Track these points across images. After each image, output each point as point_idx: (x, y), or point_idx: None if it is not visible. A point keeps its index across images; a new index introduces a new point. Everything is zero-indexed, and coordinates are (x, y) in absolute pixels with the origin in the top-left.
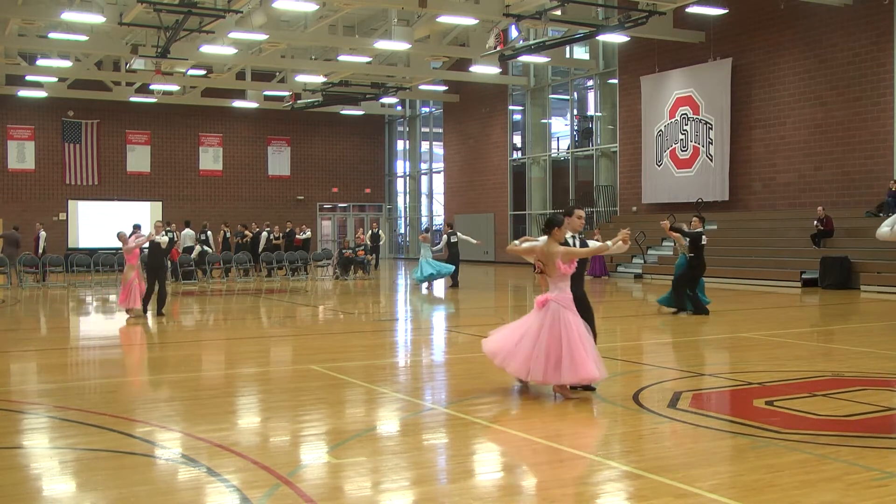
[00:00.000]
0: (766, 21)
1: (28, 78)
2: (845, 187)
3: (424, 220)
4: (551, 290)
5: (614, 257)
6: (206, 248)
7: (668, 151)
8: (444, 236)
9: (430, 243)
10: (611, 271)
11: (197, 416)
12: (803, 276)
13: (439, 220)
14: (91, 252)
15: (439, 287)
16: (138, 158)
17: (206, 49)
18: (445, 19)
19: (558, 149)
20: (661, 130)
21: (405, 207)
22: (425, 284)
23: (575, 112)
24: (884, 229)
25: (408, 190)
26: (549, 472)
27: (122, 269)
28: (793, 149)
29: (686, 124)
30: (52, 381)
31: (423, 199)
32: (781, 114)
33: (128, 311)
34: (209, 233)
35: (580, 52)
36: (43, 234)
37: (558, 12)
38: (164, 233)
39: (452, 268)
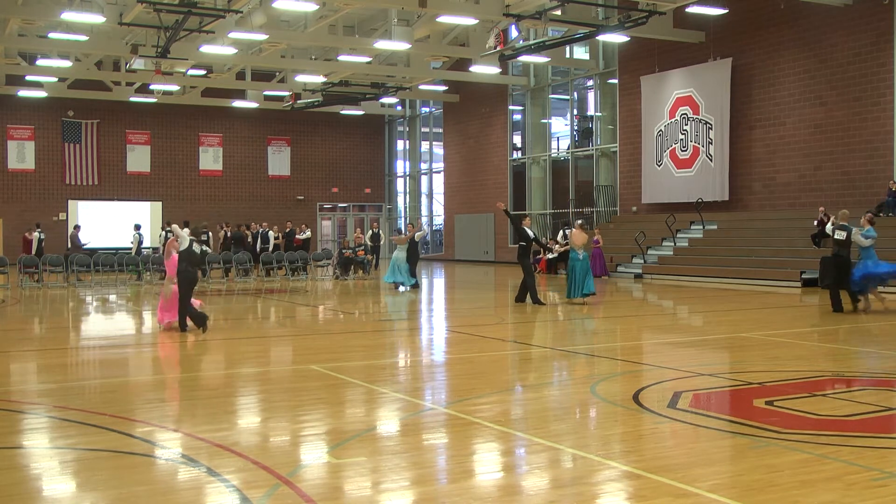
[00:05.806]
0: (766, 21)
1: (28, 78)
2: (845, 187)
3: (424, 219)
4: None
5: (614, 257)
6: (205, 247)
7: (668, 151)
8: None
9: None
10: (611, 271)
11: (197, 416)
12: (803, 276)
13: (439, 220)
14: (91, 252)
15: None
16: (138, 158)
17: (206, 49)
18: (445, 19)
19: (558, 149)
20: (660, 130)
21: (405, 207)
22: (401, 286)
23: (575, 112)
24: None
25: (408, 190)
26: (549, 472)
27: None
28: (793, 149)
29: (686, 124)
30: (52, 381)
31: (423, 199)
32: (781, 114)
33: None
34: (209, 233)
35: (580, 52)
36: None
37: (558, 12)
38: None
39: (413, 281)
